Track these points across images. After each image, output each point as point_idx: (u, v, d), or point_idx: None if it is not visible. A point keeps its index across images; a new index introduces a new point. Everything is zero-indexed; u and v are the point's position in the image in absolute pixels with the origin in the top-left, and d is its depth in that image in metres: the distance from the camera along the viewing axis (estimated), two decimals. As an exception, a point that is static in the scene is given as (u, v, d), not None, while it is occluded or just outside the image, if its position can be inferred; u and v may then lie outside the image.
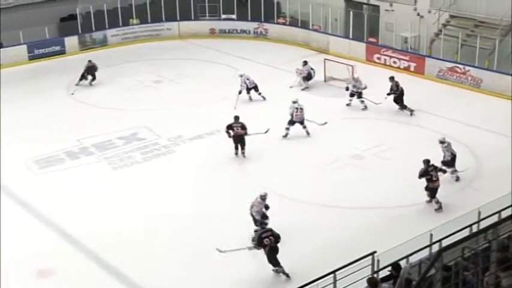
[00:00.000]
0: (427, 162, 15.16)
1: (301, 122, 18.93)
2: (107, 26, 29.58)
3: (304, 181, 16.51)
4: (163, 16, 30.50)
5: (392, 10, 27.01)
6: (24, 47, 27.51)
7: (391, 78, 20.72)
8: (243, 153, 17.55)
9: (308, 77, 23.09)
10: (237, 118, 17.70)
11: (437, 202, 15.02)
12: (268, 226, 13.45)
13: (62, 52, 28.34)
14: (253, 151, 17.76)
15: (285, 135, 18.91)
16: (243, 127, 17.49)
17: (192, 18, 30.76)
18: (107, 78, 25.11)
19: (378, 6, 27.62)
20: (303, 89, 22.84)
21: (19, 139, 19.40)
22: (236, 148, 17.61)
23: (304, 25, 29.13)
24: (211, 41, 29.53)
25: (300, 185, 16.27)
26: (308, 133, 18.97)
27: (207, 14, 30.62)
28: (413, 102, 20.19)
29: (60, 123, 20.55)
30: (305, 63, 23.17)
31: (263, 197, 14.02)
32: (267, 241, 12.54)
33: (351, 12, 27.28)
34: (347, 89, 21.45)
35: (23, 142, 19.16)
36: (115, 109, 21.68)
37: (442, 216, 14.26)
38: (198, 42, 29.28)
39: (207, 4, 30.36)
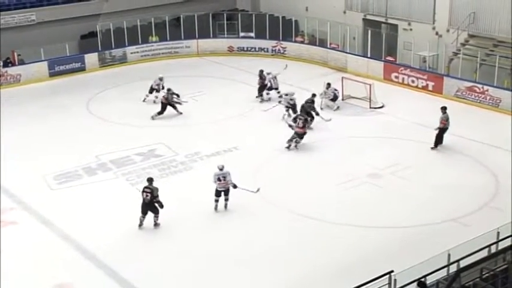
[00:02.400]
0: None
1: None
2: (126, 44, 29.89)
3: (319, 199, 16.48)
4: (182, 34, 30.79)
5: (411, 29, 27.07)
6: (45, 63, 27.82)
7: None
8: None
9: (334, 99, 23.18)
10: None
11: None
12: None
13: (82, 69, 28.64)
14: (267, 169, 17.74)
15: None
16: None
17: (211, 36, 31.02)
18: (126, 94, 25.38)
19: (396, 25, 27.71)
20: (335, 110, 22.89)
21: (38, 154, 19.62)
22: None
23: (322, 43, 29.24)
24: (230, 58, 29.70)
25: (315, 204, 16.24)
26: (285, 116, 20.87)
27: (226, 32, 30.87)
28: (431, 121, 20.13)
29: (79, 139, 20.73)
30: (328, 85, 23.17)
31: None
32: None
33: (369, 31, 27.36)
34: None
35: (42, 157, 19.36)
36: (133, 126, 21.85)
37: (460, 236, 14.11)
38: (217, 60, 29.47)
39: (225, 22, 30.63)
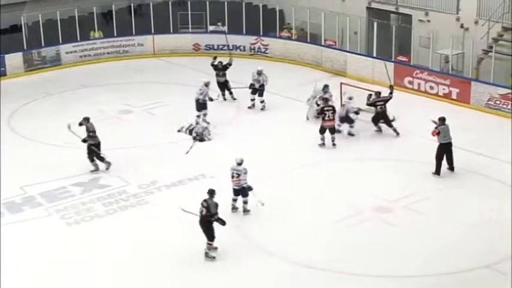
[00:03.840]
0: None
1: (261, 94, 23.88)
2: (60, 40, 30.06)
3: (315, 242, 16.63)
4: (133, 28, 31.01)
5: (428, 21, 27.44)
6: (-47, 66, 27.96)
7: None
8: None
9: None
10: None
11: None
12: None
13: (1, 73, 28.74)
14: (251, 202, 17.90)
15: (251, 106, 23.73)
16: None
17: (171, 30, 31.29)
18: (61, 106, 25.50)
19: (410, 16, 28.08)
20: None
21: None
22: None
23: (315, 40, 29.63)
24: (195, 59, 29.95)
25: (311, 247, 16.39)
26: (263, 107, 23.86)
27: (190, 26, 31.15)
28: (456, 140, 20.42)
29: None
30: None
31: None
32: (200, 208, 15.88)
33: (375, 24, 27.75)
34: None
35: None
36: (70, 147, 21.71)
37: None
38: (178, 61, 29.73)
39: (189, 13, 30.95)
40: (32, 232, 17.46)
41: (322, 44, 29.25)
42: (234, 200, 17.87)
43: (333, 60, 28.60)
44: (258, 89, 24.16)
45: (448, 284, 15.08)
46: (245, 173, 17.55)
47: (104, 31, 30.93)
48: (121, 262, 15.96)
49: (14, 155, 21.46)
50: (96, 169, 20.24)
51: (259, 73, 24.70)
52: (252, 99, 24.52)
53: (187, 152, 20.98)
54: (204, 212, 15.83)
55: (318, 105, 22.62)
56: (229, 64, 25.33)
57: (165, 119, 23.90)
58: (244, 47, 30.78)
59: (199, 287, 15.25)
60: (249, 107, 24.56)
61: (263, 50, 30.61)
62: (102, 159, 20.35)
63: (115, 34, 30.89)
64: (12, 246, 16.76)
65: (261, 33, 30.65)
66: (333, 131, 21.61)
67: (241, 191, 17.71)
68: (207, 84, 23.27)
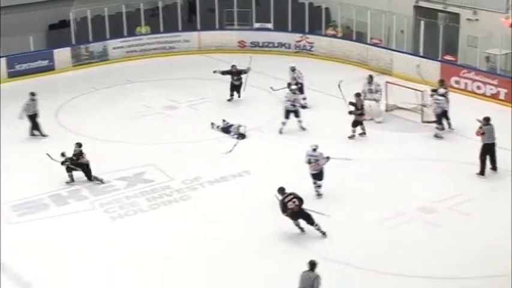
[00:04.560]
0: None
1: (297, 114, 22.36)
2: (107, 36, 30.35)
3: (358, 242, 16.57)
4: (179, 24, 31.16)
5: (477, 19, 27.16)
6: (3, 60, 28.31)
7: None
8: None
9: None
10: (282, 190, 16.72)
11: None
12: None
13: (50, 68, 29.12)
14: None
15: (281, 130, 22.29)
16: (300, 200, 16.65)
17: (217, 27, 31.39)
18: (107, 101, 25.81)
19: (458, 15, 27.82)
20: (378, 122, 23.27)
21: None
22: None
23: (361, 38, 29.51)
24: (240, 56, 29.97)
25: (354, 247, 16.33)
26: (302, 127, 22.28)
27: (236, 23, 31.22)
28: (504, 140, 20.19)
29: (45, 158, 20.61)
30: (370, 79, 23.51)
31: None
32: (290, 205, 16.19)
33: (422, 22, 27.55)
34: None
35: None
36: (116, 142, 22.15)
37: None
38: (223, 58, 29.77)
39: (235, 10, 31.00)
40: (77, 225, 17.64)
41: (368, 42, 29.12)
42: (315, 183, 18.47)
43: (378, 58, 28.46)
44: (291, 111, 22.62)
45: (490, 286, 14.91)
46: (323, 157, 18.25)
47: (152, 26, 31.08)
48: (164, 257, 16.05)
49: (60, 149, 21.03)
50: (72, 180, 19.56)
51: (293, 69, 24.67)
52: (284, 122, 22.53)
53: (230, 151, 21.05)
54: (296, 203, 16.33)
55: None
56: (245, 72, 25.23)
57: (209, 115, 23.90)
58: (289, 44, 30.76)
59: (238, 282, 15.22)
60: (280, 132, 22.62)
61: (308, 47, 30.55)
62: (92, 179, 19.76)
63: (161, 30, 31.05)
64: (57, 239, 17.00)
65: (307, 31, 30.59)
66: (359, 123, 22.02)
67: (318, 175, 18.31)
68: (293, 91, 22.79)
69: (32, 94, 22.90)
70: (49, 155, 19.63)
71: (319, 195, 18.39)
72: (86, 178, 19.59)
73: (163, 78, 28.14)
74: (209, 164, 20.51)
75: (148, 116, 24.44)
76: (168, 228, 17.37)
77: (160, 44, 31.11)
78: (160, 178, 19.78)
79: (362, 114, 21.92)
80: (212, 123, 22.96)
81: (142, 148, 21.71)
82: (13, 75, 28.39)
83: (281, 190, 16.60)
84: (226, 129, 22.62)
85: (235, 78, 25.15)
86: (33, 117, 22.67)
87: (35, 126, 22.71)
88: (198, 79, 27.69)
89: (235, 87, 25.30)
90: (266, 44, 30.90)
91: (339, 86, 23.33)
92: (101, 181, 19.55)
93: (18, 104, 25.16)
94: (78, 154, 19.55)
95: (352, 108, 21.97)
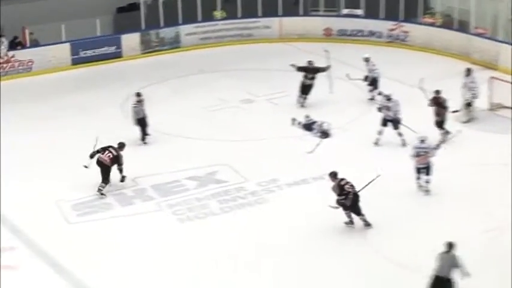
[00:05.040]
0: None
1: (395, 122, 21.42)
2: (180, 21, 30.62)
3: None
4: (259, 9, 31.20)
5: None
6: (67, 46, 28.85)
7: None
8: None
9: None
10: None
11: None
12: None
13: (117, 55, 29.57)
14: (379, 210, 17.76)
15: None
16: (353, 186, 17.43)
17: (300, 12, 31.34)
18: (178, 93, 26.09)
19: None
20: (465, 122, 22.94)
21: (53, 174, 20.21)
22: None
23: (463, 27, 29.04)
24: (326, 45, 29.81)
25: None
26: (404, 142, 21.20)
27: (322, 8, 31.12)
28: None
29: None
30: (468, 72, 23.22)
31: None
32: (348, 188, 16.89)
33: (535, 9, 27.05)
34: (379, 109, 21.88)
35: (58, 178, 19.93)
36: (186, 137, 22.34)
37: None
38: (307, 47, 29.72)
39: (321, -6, 30.96)
40: (142, 227, 17.84)
41: (471, 32, 28.65)
42: (418, 178, 18.81)
43: (483, 50, 27.94)
44: (388, 120, 21.83)
45: None
46: (433, 148, 18.74)
47: (229, 11, 31.14)
48: (235, 264, 16.15)
49: (128, 143, 21.19)
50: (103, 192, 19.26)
51: (366, 60, 24.59)
52: (380, 131, 21.77)
53: (312, 151, 20.99)
54: (353, 187, 17.03)
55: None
56: (323, 70, 24.82)
57: (289, 111, 23.88)
58: (381, 33, 30.46)
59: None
60: (375, 143, 21.89)
61: (402, 37, 30.21)
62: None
63: (239, 15, 31.16)
64: (121, 241, 17.23)
65: (401, 19, 30.26)
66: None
67: (426, 170, 18.65)
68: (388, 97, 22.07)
69: (138, 94, 22.52)
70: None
71: (427, 191, 18.75)
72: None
73: (240, 69, 28.26)
74: (288, 165, 20.47)
75: (222, 110, 24.63)
76: (240, 233, 17.42)
77: (238, 31, 31.19)
78: (233, 179, 19.88)
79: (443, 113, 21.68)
80: (293, 119, 22.88)
81: (215, 145, 21.83)
82: (77, 62, 28.87)
83: (333, 175, 17.20)
84: (308, 126, 22.53)
85: (309, 76, 24.68)
86: (142, 122, 22.19)
87: (145, 131, 22.18)
88: (278, 70, 27.60)
89: (306, 88, 24.74)
90: (355, 32, 30.69)
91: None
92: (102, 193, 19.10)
93: (83, 94, 25.81)
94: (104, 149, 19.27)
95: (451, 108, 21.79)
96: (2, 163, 20.49)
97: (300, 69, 24.71)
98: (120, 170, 19.36)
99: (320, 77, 24.69)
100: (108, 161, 19.11)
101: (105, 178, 19.08)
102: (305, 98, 24.69)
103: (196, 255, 16.54)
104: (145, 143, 22.04)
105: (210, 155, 21.14)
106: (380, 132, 21.67)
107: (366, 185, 17.27)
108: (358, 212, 17.21)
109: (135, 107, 22.20)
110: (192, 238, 17.34)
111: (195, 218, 18.15)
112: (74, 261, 16.28)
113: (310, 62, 24.78)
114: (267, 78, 27.12)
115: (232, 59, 29.42)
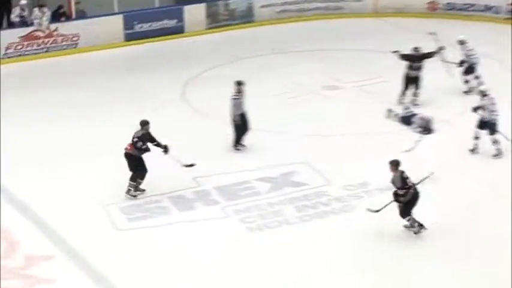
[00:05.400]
0: None
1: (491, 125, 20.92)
2: (254, -9, 30.75)
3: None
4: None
5: None
6: (119, 18, 29.34)
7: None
8: None
9: None
10: None
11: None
12: None
13: (178, 30, 29.99)
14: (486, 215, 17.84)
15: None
16: None
17: (399, -18, 31.29)
18: (250, 76, 25.80)
19: None
20: None
21: (99, 171, 20.43)
22: None
23: None
24: (430, 22, 29.67)
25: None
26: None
27: (426, -24, 31.03)
28: None
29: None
30: None
31: None
32: (410, 182, 17.14)
33: None
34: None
35: (104, 177, 20.14)
36: (257, 130, 22.20)
37: None
38: (407, 24, 29.69)
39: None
40: (204, 236, 17.84)
41: None
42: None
43: None
44: (484, 122, 21.58)
45: None
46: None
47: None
48: (314, 285, 16.17)
49: (185, 135, 21.94)
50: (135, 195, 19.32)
51: (461, 43, 24.49)
52: (477, 137, 21.59)
53: (410, 149, 20.89)
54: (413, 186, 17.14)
55: None
56: (434, 53, 24.51)
57: (383, 101, 23.69)
58: (499, 8, 30.18)
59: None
60: (472, 150, 21.76)
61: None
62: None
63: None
64: (178, 253, 17.27)
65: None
66: None
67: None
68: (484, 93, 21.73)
69: (239, 83, 21.78)
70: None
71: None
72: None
73: (324, 49, 28.39)
74: (380, 165, 20.17)
75: (301, 98, 24.77)
76: (321, 247, 17.33)
77: (323, 3, 31.26)
78: (314, 181, 19.90)
79: None
80: (389, 110, 22.59)
81: (292, 140, 21.85)
82: (131, 37, 29.33)
83: (396, 164, 17.34)
84: (407, 120, 22.30)
85: (414, 66, 24.38)
86: (242, 120, 21.61)
87: (241, 133, 21.67)
88: (370, 51, 27.75)
89: (411, 81, 24.47)
90: (467, 6, 30.50)
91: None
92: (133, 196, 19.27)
93: (137, 77, 25.97)
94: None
95: None
96: (38, 157, 20.91)
97: (404, 57, 24.40)
98: (158, 145, 19.23)
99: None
100: (129, 147, 19.12)
101: (132, 170, 19.06)
102: (415, 95, 24.41)
103: (268, 272, 16.49)
104: (238, 149, 21.74)
105: (286, 152, 21.23)
106: (476, 137, 21.46)
107: (418, 183, 17.38)
108: (409, 212, 17.37)
109: (235, 98, 21.61)
110: (262, 251, 17.26)
111: (267, 228, 18.15)
112: (122, 276, 16.41)
113: (416, 49, 24.41)
114: (356, 61, 27.22)
115: (316, 37, 29.60)
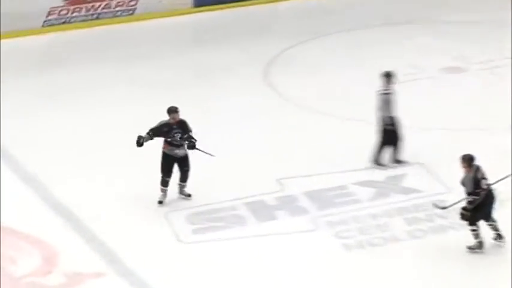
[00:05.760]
0: None
1: None
2: None
3: None
4: None
5: None
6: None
7: None
8: None
9: None
10: None
11: None
12: None
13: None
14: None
15: None
16: None
17: None
18: (347, 54, 26.30)
19: None
20: None
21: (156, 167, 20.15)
22: None
23: None
24: None
25: None
26: None
27: None
28: None
29: (242, 142, 21.43)
30: None
31: None
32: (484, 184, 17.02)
33: None
34: None
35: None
36: (358, 120, 22.43)
37: None
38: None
39: None
40: (289, 254, 17.75)
41: None
42: None
43: None
44: None
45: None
46: None
47: None
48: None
49: (270, 128, 22.30)
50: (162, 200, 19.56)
51: None
52: None
53: None
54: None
55: None
56: None
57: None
58: None
59: None
60: None
61: None
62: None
63: None
64: (257, 272, 17.27)
65: None
66: None
67: None
68: None
69: (388, 75, 20.61)
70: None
71: None
72: None
73: (449, 21, 28.42)
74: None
75: (413, 82, 24.47)
76: (438, 269, 17.11)
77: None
78: (430, 187, 19.69)
79: None
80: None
81: (404, 134, 21.29)
82: (200, 3, 29.54)
83: (470, 159, 17.15)
84: None
85: None
86: (395, 124, 20.68)
87: (392, 141, 20.84)
88: (504, 26, 27.38)
89: None
90: None
91: None
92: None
93: (206, 53, 25.90)
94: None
95: None
96: (82, 148, 21.30)
97: None
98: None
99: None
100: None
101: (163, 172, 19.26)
102: None
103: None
104: (395, 165, 20.91)
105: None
106: None
107: (496, 182, 17.22)
108: (488, 217, 17.20)
109: (386, 93, 20.73)
110: (362, 274, 17.15)
111: (368, 245, 17.95)
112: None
113: None
114: (486, 37, 27.11)
115: (431, 6, 29.50)
